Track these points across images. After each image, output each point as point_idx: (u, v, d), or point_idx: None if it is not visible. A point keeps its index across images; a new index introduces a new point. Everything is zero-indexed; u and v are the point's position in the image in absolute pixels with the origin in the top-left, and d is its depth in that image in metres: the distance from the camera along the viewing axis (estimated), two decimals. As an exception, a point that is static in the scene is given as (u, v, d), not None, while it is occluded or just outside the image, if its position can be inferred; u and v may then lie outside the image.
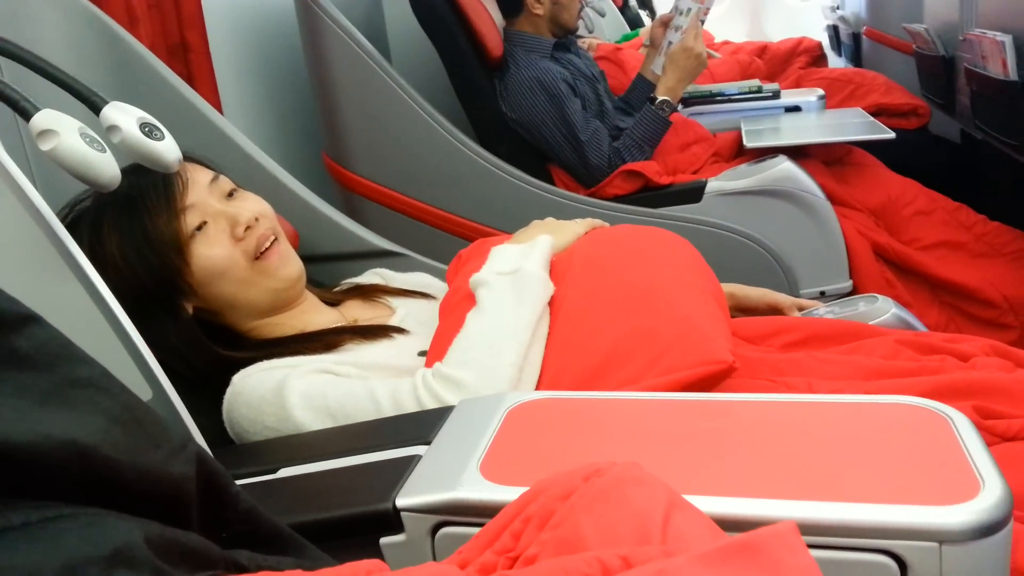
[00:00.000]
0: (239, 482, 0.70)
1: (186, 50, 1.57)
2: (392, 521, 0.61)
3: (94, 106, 0.77)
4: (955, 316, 1.60)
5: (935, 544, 0.50)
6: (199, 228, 0.95)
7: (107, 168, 0.71)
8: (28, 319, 0.38)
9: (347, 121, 1.73)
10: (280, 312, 1.02)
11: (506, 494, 0.56)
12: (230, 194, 1.00)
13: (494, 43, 1.87)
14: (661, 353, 0.79)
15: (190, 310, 0.98)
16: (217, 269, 0.95)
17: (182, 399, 0.75)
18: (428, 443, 0.69)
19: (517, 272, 0.93)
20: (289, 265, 1.01)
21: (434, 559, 0.59)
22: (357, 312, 1.09)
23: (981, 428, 0.73)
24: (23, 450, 0.32)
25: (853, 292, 1.64)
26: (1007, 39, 1.42)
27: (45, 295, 0.70)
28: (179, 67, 1.56)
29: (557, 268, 0.99)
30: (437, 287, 1.17)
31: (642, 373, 0.78)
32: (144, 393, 0.71)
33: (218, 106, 1.65)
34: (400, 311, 1.08)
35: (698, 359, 0.77)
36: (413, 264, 1.27)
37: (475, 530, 0.52)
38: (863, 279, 1.63)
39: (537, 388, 0.85)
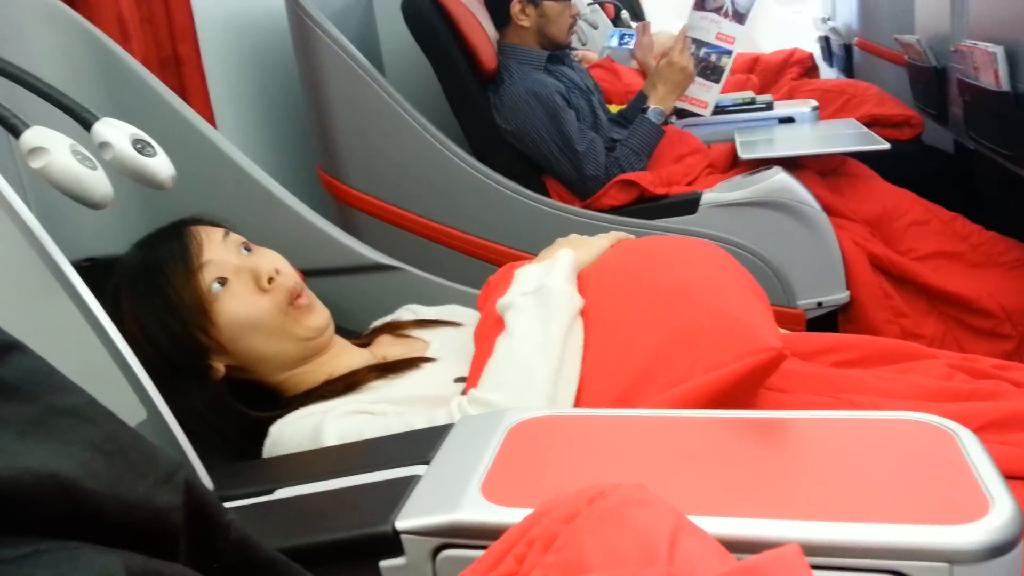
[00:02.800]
0: (235, 503, 0.69)
1: (179, 64, 1.56)
2: (392, 544, 0.60)
3: (85, 122, 0.76)
4: (953, 327, 1.59)
5: (946, 565, 0.49)
6: (222, 285, 0.95)
7: (99, 186, 0.70)
8: (10, 347, 0.37)
9: (341, 134, 1.72)
10: (310, 360, 1.01)
11: (508, 515, 0.55)
12: (246, 249, 1.00)
13: (488, 55, 1.87)
14: (705, 351, 0.77)
15: (222, 369, 0.97)
16: (248, 323, 0.95)
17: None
18: (427, 463, 0.68)
19: (540, 290, 0.93)
20: (317, 314, 1.01)
21: (435, 583, 0.58)
22: (387, 349, 1.08)
23: None
24: (2, 485, 0.31)
25: (850, 303, 1.64)
26: (999, 50, 1.42)
27: (36, 314, 0.68)
28: (172, 81, 1.55)
29: (588, 281, 0.99)
30: (469, 316, 1.16)
31: (688, 373, 0.76)
32: (138, 413, 0.69)
33: (212, 120, 1.64)
34: (434, 344, 1.08)
35: (745, 350, 0.74)
36: (432, 290, 1.27)
37: (477, 553, 0.52)
38: (860, 290, 1.62)
39: (579, 401, 0.84)
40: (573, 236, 1.14)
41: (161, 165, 0.77)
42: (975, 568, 0.49)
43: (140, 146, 0.76)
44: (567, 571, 0.44)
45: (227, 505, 0.69)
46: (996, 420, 0.76)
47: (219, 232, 1.00)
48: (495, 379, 0.85)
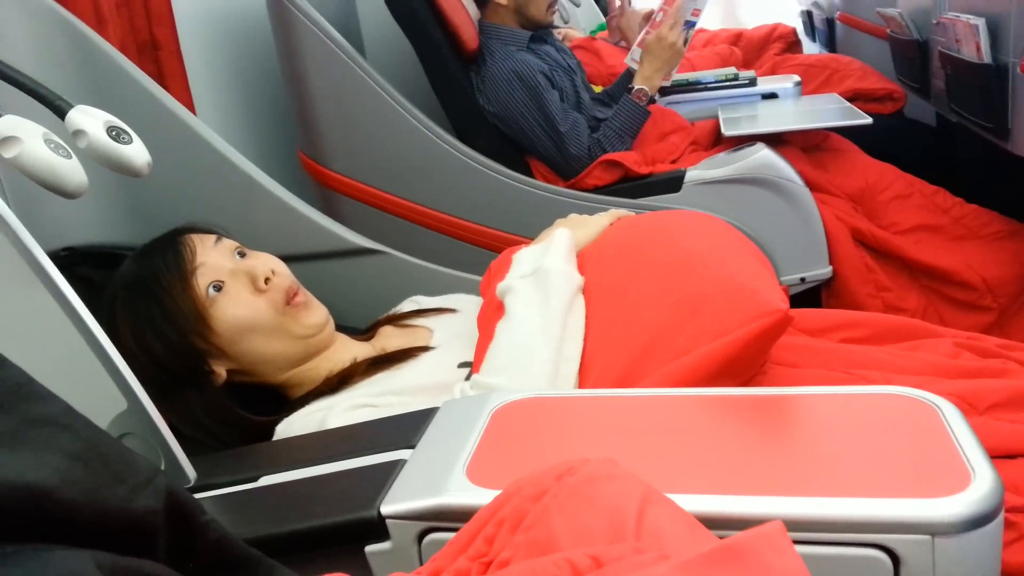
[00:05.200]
0: (219, 492, 0.69)
1: (156, 48, 1.54)
2: (377, 529, 0.60)
3: (59, 110, 0.75)
4: (935, 300, 1.60)
5: (928, 537, 0.49)
6: (219, 289, 0.94)
7: (73, 175, 0.69)
8: None
9: (322, 117, 1.70)
10: (312, 358, 1.01)
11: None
12: (240, 254, 1.00)
13: (469, 36, 1.85)
14: (711, 318, 0.77)
15: (223, 374, 0.96)
16: (247, 324, 0.94)
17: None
18: (412, 447, 0.68)
19: (538, 271, 0.93)
20: (314, 311, 1.01)
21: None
22: (387, 341, 1.08)
23: None
24: None
25: (833, 278, 1.64)
26: (980, 22, 1.42)
27: (14, 308, 0.67)
28: (149, 66, 1.53)
29: (588, 259, 0.99)
30: (472, 303, 1.15)
31: (694, 341, 0.76)
32: (119, 404, 0.69)
33: (190, 105, 1.62)
34: (437, 331, 1.08)
35: (752, 314, 0.74)
36: (416, 273, 1.26)
37: (463, 536, 0.51)
38: (843, 265, 1.63)
39: (584, 378, 0.83)
40: (572, 216, 1.13)
41: (137, 152, 0.76)
42: (956, 539, 0.49)
43: (115, 133, 0.75)
44: (536, 549, 0.44)
45: (211, 493, 0.69)
46: (1009, 398, 0.76)
47: (211, 238, 1.00)
48: (496, 362, 0.85)
